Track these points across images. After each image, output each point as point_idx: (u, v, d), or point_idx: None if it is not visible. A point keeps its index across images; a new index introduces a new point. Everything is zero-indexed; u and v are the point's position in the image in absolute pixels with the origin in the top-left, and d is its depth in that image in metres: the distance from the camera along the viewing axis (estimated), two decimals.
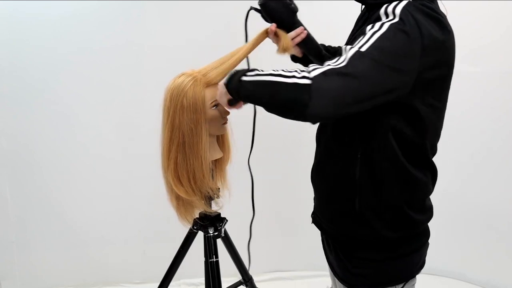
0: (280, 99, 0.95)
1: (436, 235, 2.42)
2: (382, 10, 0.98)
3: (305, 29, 1.22)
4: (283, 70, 0.97)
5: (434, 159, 1.16)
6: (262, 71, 1.01)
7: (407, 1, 0.98)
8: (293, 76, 0.94)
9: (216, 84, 1.26)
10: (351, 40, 1.12)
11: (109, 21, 2.15)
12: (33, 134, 2.21)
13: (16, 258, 2.32)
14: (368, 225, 1.10)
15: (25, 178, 2.25)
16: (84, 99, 2.21)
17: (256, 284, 1.67)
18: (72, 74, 2.17)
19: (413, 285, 1.20)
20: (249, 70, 1.04)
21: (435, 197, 2.53)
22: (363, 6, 1.18)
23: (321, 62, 1.01)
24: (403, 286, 1.16)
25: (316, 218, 1.29)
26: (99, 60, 2.17)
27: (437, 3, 1.05)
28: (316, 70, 0.92)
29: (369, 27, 0.96)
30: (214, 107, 1.29)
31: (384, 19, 0.97)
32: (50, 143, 2.23)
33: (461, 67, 2.22)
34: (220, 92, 1.13)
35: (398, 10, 0.95)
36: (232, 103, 1.13)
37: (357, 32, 1.08)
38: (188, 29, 2.10)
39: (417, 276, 1.23)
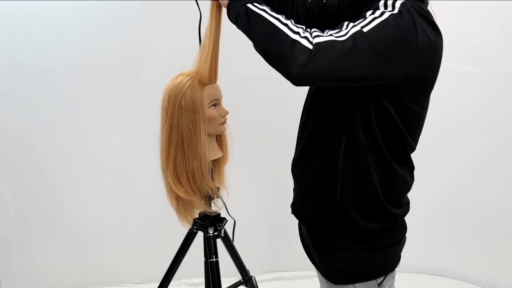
0: (277, 49, 0.94)
1: (436, 235, 2.44)
2: (381, 3, 1.00)
3: None
4: (291, 22, 0.97)
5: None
6: (271, 11, 1.00)
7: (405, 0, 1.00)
8: (298, 33, 0.94)
9: (212, 82, 1.27)
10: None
11: (110, 21, 2.15)
12: (33, 134, 2.21)
13: (16, 258, 2.32)
14: (347, 214, 1.13)
15: (25, 178, 2.25)
16: (83, 99, 2.21)
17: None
18: (72, 74, 2.17)
19: (393, 277, 1.22)
20: (259, 1, 1.02)
21: (435, 197, 2.52)
22: None
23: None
24: (383, 279, 1.18)
25: (296, 209, 1.31)
26: (98, 59, 2.17)
27: (427, 3, 1.07)
28: (319, 37, 0.93)
29: (369, 12, 0.98)
30: (213, 107, 1.29)
31: (382, 8, 0.99)
32: (50, 143, 2.23)
33: (459, 67, 2.25)
34: None
35: (398, 4, 0.98)
36: None
37: (353, 17, 1.10)
38: (188, 29, 2.10)
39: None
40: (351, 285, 1.18)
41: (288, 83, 1.02)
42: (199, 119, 1.26)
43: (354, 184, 1.11)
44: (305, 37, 0.93)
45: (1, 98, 2.16)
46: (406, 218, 1.24)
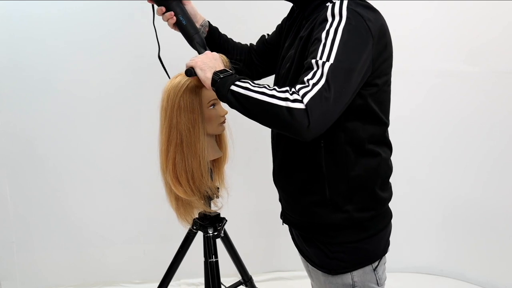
0: (278, 121, 0.99)
1: (436, 236, 2.44)
2: (329, 12, 1.05)
3: (177, 15, 1.34)
4: (275, 90, 1.00)
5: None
6: (253, 85, 1.03)
7: (347, 0, 1.06)
8: (287, 99, 0.97)
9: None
10: (294, 40, 1.22)
11: (110, 21, 2.15)
12: (33, 134, 2.22)
13: (16, 258, 2.32)
14: (341, 210, 1.16)
15: (25, 178, 2.26)
16: (84, 99, 2.21)
17: (256, 284, 1.68)
18: (72, 73, 2.17)
19: (384, 263, 1.26)
20: (239, 78, 1.06)
21: (435, 198, 2.51)
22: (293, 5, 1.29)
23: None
24: (378, 264, 1.22)
25: (288, 217, 1.31)
26: (99, 59, 2.17)
27: None
28: (307, 95, 0.96)
29: (323, 34, 1.02)
30: (212, 107, 1.29)
31: (330, 19, 1.04)
32: (50, 143, 2.23)
33: (460, 67, 2.24)
34: (202, 67, 1.13)
35: (344, 11, 1.04)
36: (189, 74, 1.17)
37: (305, 33, 1.13)
38: None
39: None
40: (349, 273, 1.19)
41: None
42: (198, 119, 1.26)
43: (341, 177, 1.14)
44: (295, 100, 0.96)
45: (1, 98, 2.16)
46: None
